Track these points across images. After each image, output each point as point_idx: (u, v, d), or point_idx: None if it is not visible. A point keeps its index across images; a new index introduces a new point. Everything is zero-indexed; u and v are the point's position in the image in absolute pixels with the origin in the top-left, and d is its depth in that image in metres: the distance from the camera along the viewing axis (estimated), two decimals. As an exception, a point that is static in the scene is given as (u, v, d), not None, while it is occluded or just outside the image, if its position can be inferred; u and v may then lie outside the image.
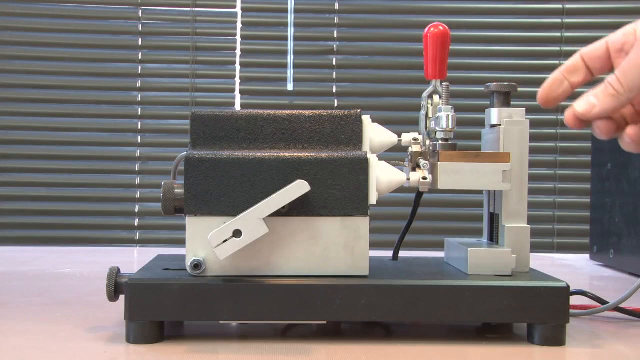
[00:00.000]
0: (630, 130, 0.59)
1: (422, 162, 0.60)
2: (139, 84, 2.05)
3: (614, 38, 0.61)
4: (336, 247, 0.57)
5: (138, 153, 2.05)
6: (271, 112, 0.59)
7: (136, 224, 2.04)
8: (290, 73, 2.02)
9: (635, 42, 0.58)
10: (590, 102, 0.57)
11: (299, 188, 0.55)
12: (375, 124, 0.60)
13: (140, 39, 2.04)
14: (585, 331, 0.63)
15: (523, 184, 0.61)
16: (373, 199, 0.57)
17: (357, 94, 2.03)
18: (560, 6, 2.01)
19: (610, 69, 0.62)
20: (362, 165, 0.57)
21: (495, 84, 0.63)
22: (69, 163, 2.03)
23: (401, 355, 0.54)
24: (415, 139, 0.61)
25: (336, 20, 2.05)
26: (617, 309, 0.66)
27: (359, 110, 0.59)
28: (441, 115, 0.61)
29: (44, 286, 0.81)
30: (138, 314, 0.55)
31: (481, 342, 0.58)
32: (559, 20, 2.01)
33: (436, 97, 0.63)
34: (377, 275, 0.58)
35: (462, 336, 0.60)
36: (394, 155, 0.63)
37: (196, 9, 2.04)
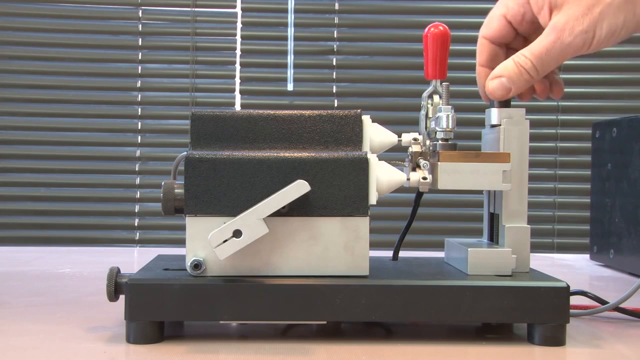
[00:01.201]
0: (537, 86, 0.65)
1: (422, 162, 0.60)
2: (139, 84, 2.05)
3: (511, 11, 0.63)
4: (336, 247, 0.57)
5: (138, 153, 2.05)
6: (271, 112, 0.59)
7: (136, 224, 2.04)
8: (290, 73, 2.03)
9: (533, 9, 0.61)
10: (505, 87, 0.61)
11: (299, 188, 0.55)
12: (375, 124, 0.60)
13: (140, 39, 2.04)
14: (585, 331, 0.63)
15: (523, 184, 0.61)
16: (373, 199, 0.57)
17: (357, 94, 2.03)
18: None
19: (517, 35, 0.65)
20: (362, 165, 0.57)
21: (495, 84, 0.63)
22: (69, 163, 2.03)
23: (401, 355, 0.54)
24: (415, 139, 0.61)
25: (336, 20, 2.05)
26: (617, 309, 0.66)
27: (359, 110, 0.59)
28: (441, 115, 0.61)
29: (44, 286, 0.81)
30: (138, 314, 0.55)
31: (481, 342, 0.58)
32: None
33: (436, 97, 0.63)
34: (377, 275, 0.58)
35: (462, 336, 0.60)
36: (394, 155, 0.63)
37: (196, 9, 2.04)
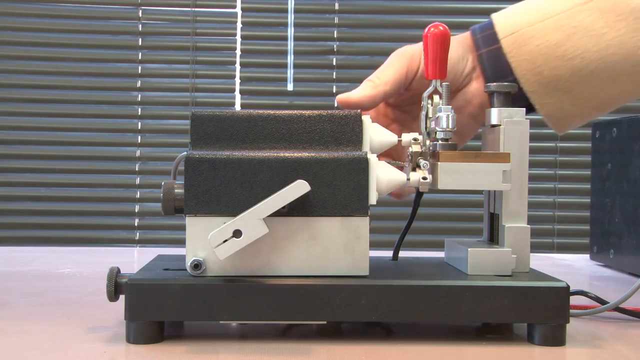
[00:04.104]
0: None
1: (422, 162, 0.60)
2: (139, 84, 2.05)
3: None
4: (336, 247, 0.57)
5: (138, 153, 2.05)
6: (271, 112, 0.59)
7: (136, 224, 2.05)
8: (290, 73, 2.03)
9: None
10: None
11: (299, 188, 0.55)
12: (375, 124, 0.60)
13: (140, 39, 2.04)
14: (585, 331, 0.63)
15: (523, 184, 0.61)
16: (373, 199, 0.57)
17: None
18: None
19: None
20: (362, 165, 0.57)
21: (495, 84, 0.63)
22: (68, 163, 2.03)
23: (401, 355, 0.54)
24: (415, 139, 0.61)
25: (336, 20, 2.05)
26: (617, 309, 0.66)
27: (359, 110, 0.59)
28: (441, 115, 0.61)
29: (44, 286, 0.81)
30: (138, 314, 0.55)
31: (481, 342, 0.58)
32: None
33: (436, 97, 0.63)
34: (377, 275, 0.58)
35: (462, 336, 0.60)
36: (394, 155, 0.63)
37: (196, 9, 2.04)
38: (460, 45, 0.69)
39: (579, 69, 0.67)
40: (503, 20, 0.69)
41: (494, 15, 0.70)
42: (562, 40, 0.67)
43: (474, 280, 0.57)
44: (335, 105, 0.68)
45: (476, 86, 0.69)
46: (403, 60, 0.67)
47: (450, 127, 0.61)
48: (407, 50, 0.68)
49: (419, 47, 0.67)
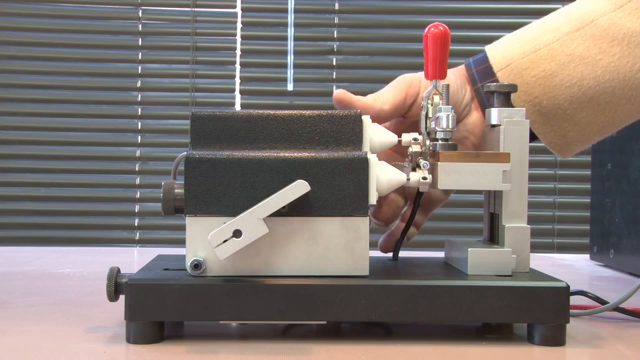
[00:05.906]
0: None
1: (422, 162, 0.60)
2: (139, 84, 2.05)
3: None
4: (336, 247, 0.57)
5: (138, 153, 2.05)
6: (271, 112, 0.59)
7: (136, 224, 2.05)
8: (290, 73, 2.03)
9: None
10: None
11: (299, 188, 0.55)
12: (375, 124, 0.60)
13: (140, 39, 2.04)
14: (585, 331, 0.63)
15: (523, 184, 0.61)
16: (373, 199, 0.57)
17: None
18: (559, 6, 2.00)
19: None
20: (362, 165, 0.57)
21: (495, 84, 0.63)
22: (68, 163, 2.03)
23: (401, 355, 0.54)
24: (415, 139, 0.61)
25: (336, 20, 2.05)
26: (617, 309, 0.66)
27: (359, 110, 0.59)
28: (441, 115, 0.61)
29: (44, 286, 0.81)
30: (138, 314, 0.55)
31: (481, 342, 0.58)
32: (559, 20, 2.00)
33: (436, 97, 0.63)
34: (377, 275, 0.58)
35: (462, 336, 0.60)
36: (394, 155, 0.63)
37: (196, 9, 2.04)
38: (457, 76, 0.69)
39: (577, 97, 0.67)
40: (497, 53, 0.69)
41: (487, 48, 0.70)
42: (557, 70, 0.67)
43: (474, 280, 0.57)
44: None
45: (477, 116, 0.69)
46: (403, 85, 0.67)
47: (450, 127, 0.61)
48: (407, 77, 0.67)
49: (419, 75, 0.67)
